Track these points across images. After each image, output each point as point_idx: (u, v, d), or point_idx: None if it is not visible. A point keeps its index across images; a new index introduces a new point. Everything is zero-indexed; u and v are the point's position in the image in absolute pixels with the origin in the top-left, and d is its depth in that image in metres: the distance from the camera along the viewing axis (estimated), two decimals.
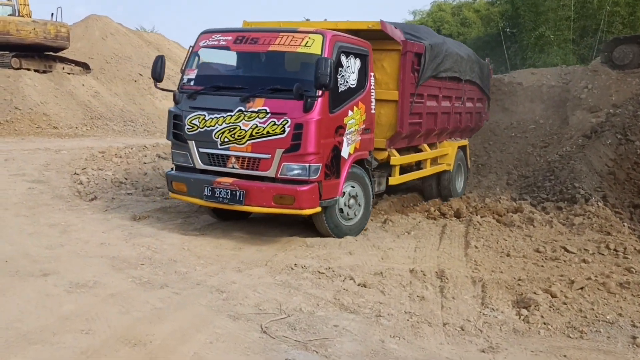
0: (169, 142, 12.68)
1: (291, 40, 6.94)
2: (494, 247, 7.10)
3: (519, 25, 28.15)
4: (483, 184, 12.11)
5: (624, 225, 8.30)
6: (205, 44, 7.54)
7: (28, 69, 22.94)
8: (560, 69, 15.82)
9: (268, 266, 6.11)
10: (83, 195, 9.09)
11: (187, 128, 7.11)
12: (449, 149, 10.38)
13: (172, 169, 7.61)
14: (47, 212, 7.91)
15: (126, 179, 10.47)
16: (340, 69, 7.08)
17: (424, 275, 5.92)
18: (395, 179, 8.68)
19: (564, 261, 6.63)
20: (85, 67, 26.48)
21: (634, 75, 13.84)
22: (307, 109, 6.55)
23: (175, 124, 7.29)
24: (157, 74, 7.39)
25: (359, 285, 5.61)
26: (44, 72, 23.92)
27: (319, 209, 6.84)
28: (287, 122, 6.57)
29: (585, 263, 6.56)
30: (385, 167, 8.57)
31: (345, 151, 7.16)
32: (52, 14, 24.26)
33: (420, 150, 9.53)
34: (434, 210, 9.30)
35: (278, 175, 6.70)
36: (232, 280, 5.63)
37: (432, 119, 9.40)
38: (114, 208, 8.41)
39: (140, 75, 29.07)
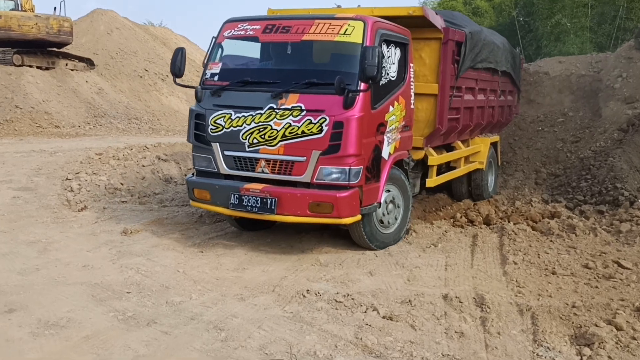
0: (171, 142, 11.81)
1: (328, 28, 6.22)
2: (536, 263, 6.16)
3: (533, 13, 27.22)
4: (510, 183, 11.12)
5: None
6: (230, 34, 6.76)
7: (30, 66, 22.21)
8: (590, 56, 14.72)
9: (275, 293, 5.21)
10: (72, 204, 8.24)
11: (211, 128, 6.38)
12: (482, 145, 9.64)
13: (192, 174, 6.84)
14: (28, 226, 7.06)
15: (122, 184, 9.61)
16: (382, 59, 6.30)
17: (460, 302, 5.00)
18: (433, 181, 7.94)
19: (621, 280, 5.68)
20: (89, 63, 25.73)
21: None
22: (348, 105, 5.87)
23: (198, 124, 6.55)
24: (178, 68, 6.62)
25: (384, 317, 4.69)
26: (47, 68, 23.19)
27: (359, 216, 6.14)
28: (325, 120, 5.89)
29: None
30: (419, 167, 7.81)
31: (385, 151, 6.50)
32: (55, 8, 23.28)
33: (453, 148, 8.79)
34: (461, 217, 8.36)
35: (314, 180, 6.01)
36: (232, 312, 4.74)
37: (469, 114, 8.69)
38: (104, 220, 7.55)
39: (146, 70, 28.28)
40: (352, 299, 5.02)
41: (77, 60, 24.79)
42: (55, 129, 19.39)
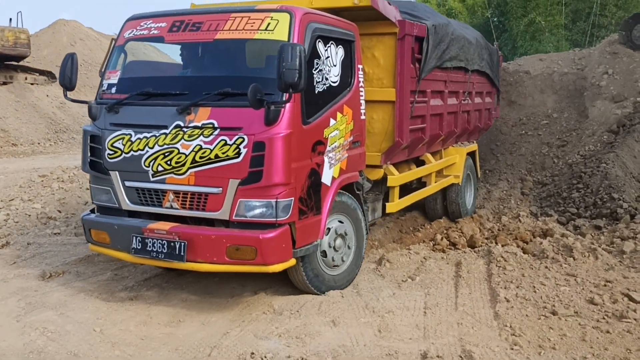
0: None
1: (246, 23, 4.97)
2: (532, 299, 5.16)
3: (507, 13, 26.83)
4: (494, 195, 10.15)
5: None
6: (131, 34, 5.45)
7: None
8: (572, 53, 13.87)
9: (212, 358, 4.15)
10: None
11: (109, 153, 5.10)
12: (456, 156, 8.34)
13: (91, 210, 5.51)
14: None
15: (59, 211, 8.48)
16: (316, 60, 5.15)
17: None
18: (394, 205, 6.70)
19: (635, 320, 4.70)
20: (50, 76, 24.60)
21: None
22: (271, 120, 4.63)
23: (93, 148, 5.24)
24: (68, 79, 5.22)
25: None
26: (4, 83, 22.07)
27: (292, 261, 4.87)
28: (243, 140, 4.64)
29: None
30: (380, 186, 6.62)
31: (327, 175, 5.23)
32: (10, 19, 22.10)
33: (423, 162, 7.50)
34: (442, 239, 7.35)
35: (233, 217, 4.75)
36: None
37: (437, 122, 7.40)
38: (25, 259, 6.42)
39: None
40: None
41: (37, 74, 23.82)
42: (11, 148, 18.30)
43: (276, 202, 4.69)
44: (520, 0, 25.71)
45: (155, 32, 5.33)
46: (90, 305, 5.12)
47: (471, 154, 9.11)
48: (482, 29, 26.95)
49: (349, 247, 5.64)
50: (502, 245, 6.89)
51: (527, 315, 4.84)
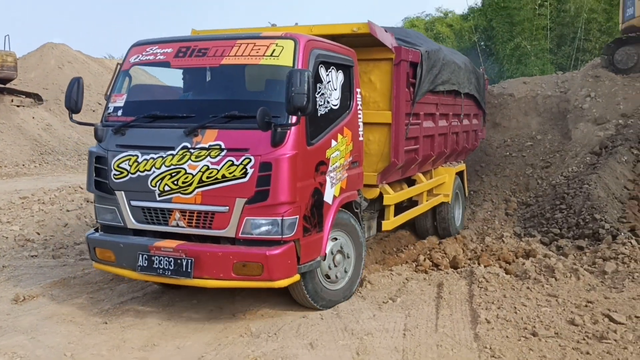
0: None
1: (252, 49, 5.19)
2: (513, 321, 5.10)
3: (494, 37, 27.24)
4: (478, 215, 10.14)
5: None
6: (137, 59, 5.64)
7: None
8: (556, 76, 14.02)
9: None
10: None
11: (115, 174, 5.25)
12: (446, 176, 8.64)
13: (95, 229, 5.59)
14: None
15: (38, 233, 8.36)
16: (319, 85, 5.36)
17: None
18: (390, 223, 6.91)
19: (615, 340, 4.65)
20: (37, 98, 24.60)
21: None
22: (277, 141, 4.82)
23: (98, 168, 5.38)
24: (74, 102, 5.41)
25: None
26: None
27: (297, 277, 5.03)
28: (250, 161, 4.83)
29: None
30: (375, 205, 6.83)
31: (328, 194, 5.42)
32: None
33: (414, 182, 7.77)
34: (424, 260, 7.30)
35: (239, 235, 4.91)
36: None
37: (429, 143, 7.68)
38: None
39: (100, 104, 27.04)
40: None
41: (23, 96, 23.79)
42: None
43: (282, 220, 4.86)
44: (506, 25, 26.16)
45: (162, 57, 5.52)
46: (63, 329, 5.01)
47: (459, 174, 9.39)
48: (469, 53, 27.37)
49: (347, 263, 5.81)
50: (485, 266, 6.85)
51: (507, 337, 4.77)
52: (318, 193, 5.24)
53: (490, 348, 4.54)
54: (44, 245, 7.81)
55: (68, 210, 9.43)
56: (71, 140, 23.43)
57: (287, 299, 5.65)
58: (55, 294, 5.91)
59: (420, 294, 5.97)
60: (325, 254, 5.40)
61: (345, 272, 5.78)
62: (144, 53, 5.61)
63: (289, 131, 4.86)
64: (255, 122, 4.70)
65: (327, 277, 5.55)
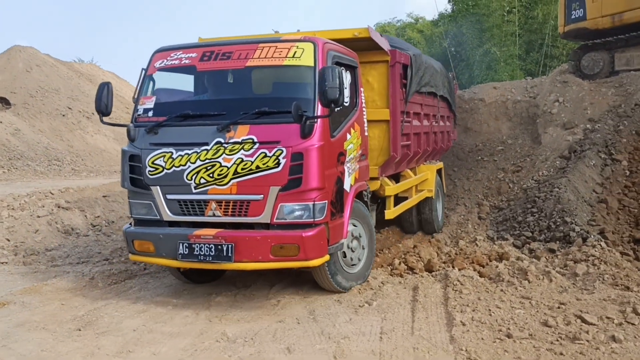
0: (81, 187, 10.39)
1: (274, 52, 5.68)
2: (487, 323, 5.16)
3: (464, 43, 27.61)
4: (452, 219, 10.25)
5: None
6: (162, 64, 6.02)
7: None
8: (525, 81, 14.24)
9: None
10: None
11: (149, 170, 5.65)
12: (428, 173, 9.12)
13: (130, 224, 5.94)
14: None
15: (8, 240, 8.21)
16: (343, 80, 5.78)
17: None
18: (392, 212, 7.49)
19: (587, 341, 4.73)
20: (4, 102, 24.12)
21: (608, 85, 12.32)
22: (306, 133, 5.33)
23: (133, 166, 5.77)
24: (104, 105, 5.85)
25: None
26: None
27: (327, 257, 5.54)
28: (282, 152, 5.31)
29: (616, 342, 4.69)
30: (373, 198, 7.25)
31: (347, 183, 5.99)
32: None
33: (399, 177, 8.24)
34: (399, 263, 7.35)
35: (274, 220, 5.39)
36: None
37: (417, 141, 8.25)
38: None
39: (70, 108, 26.66)
40: None
41: None
42: None
43: (313, 204, 5.35)
44: (476, 31, 26.56)
45: (187, 61, 5.93)
46: (36, 336, 4.92)
47: (439, 171, 9.86)
48: (440, 59, 27.73)
49: (362, 248, 6.35)
50: (459, 269, 6.92)
51: (482, 339, 4.83)
52: (340, 181, 5.75)
53: (466, 350, 4.59)
54: (15, 252, 7.68)
55: (39, 216, 9.27)
56: (40, 145, 23.02)
57: (260, 304, 5.64)
58: (26, 301, 5.81)
59: (395, 297, 6.01)
60: (346, 237, 5.86)
61: (360, 258, 6.30)
62: (168, 58, 5.99)
63: (316, 124, 5.34)
64: (284, 116, 5.27)
65: (346, 260, 6.07)
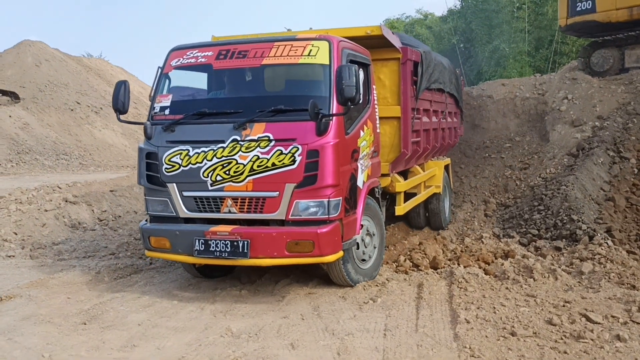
0: (89, 181, 10.46)
1: (290, 50, 5.73)
2: (492, 320, 5.16)
3: (473, 39, 27.49)
4: (458, 216, 10.23)
5: None
6: (178, 63, 6.08)
7: None
8: (534, 78, 14.17)
9: None
10: None
11: (166, 168, 5.71)
12: (436, 169, 9.15)
13: (146, 220, 6.01)
14: None
15: (16, 233, 8.26)
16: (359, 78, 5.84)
17: None
18: (402, 208, 7.59)
19: (592, 340, 4.71)
20: (14, 96, 24.24)
21: (617, 82, 12.23)
22: (322, 131, 5.38)
23: (149, 163, 5.84)
24: (122, 103, 5.90)
25: None
26: None
27: (341, 253, 5.60)
28: (298, 149, 5.37)
29: (621, 341, 4.67)
30: (382, 194, 7.26)
31: (360, 179, 6.06)
32: None
33: (408, 173, 8.32)
34: (405, 260, 7.36)
35: (289, 217, 5.45)
36: None
37: (426, 137, 8.32)
38: None
39: (78, 103, 26.77)
40: None
41: (0, 94, 23.28)
42: None
43: (328, 201, 5.40)
44: (485, 27, 26.44)
45: (203, 60, 5.97)
46: (41, 329, 4.95)
47: (446, 167, 9.89)
48: (449, 55, 27.65)
49: (373, 245, 6.44)
50: (465, 267, 6.91)
51: (486, 337, 4.82)
52: (353, 178, 5.80)
53: (470, 348, 4.58)
54: (22, 245, 7.72)
55: (46, 210, 9.33)
56: (49, 140, 23.13)
57: (266, 299, 5.66)
58: (33, 295, 5.85)
59: (400, 294, 6.01)
60: (359, 233, 5.90)
61: (371, 255, 6.39)
62: (184, 57, 6.02)
63: (331, 121, 5.39)
64: (300, 114, 5.33)
65: (358, 256, 6.15)
